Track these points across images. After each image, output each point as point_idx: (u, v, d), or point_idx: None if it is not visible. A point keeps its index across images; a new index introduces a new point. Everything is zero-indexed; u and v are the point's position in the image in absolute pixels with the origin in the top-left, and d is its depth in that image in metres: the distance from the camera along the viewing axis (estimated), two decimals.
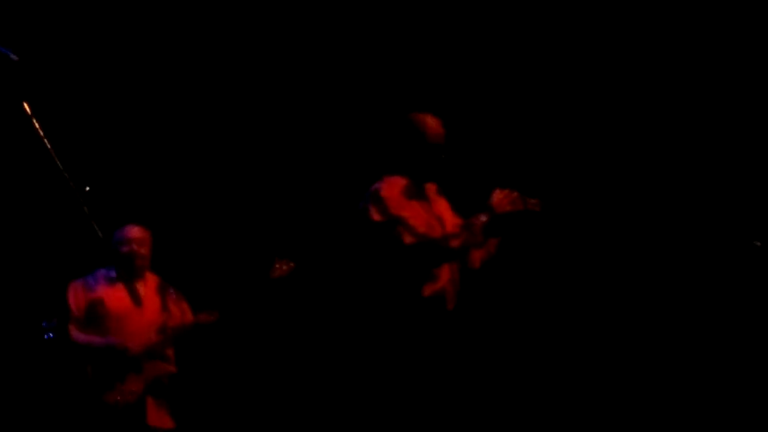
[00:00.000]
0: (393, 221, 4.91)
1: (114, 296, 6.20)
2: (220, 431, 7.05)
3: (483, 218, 4.90)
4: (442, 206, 5.16)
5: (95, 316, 6.15)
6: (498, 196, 4.92)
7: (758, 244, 5.05)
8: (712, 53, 6.85)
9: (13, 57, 4.29)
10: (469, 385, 4.99)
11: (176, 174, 7.43)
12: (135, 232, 6.25)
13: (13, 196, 6.80)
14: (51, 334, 6.04)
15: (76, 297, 6.18)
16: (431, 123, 5.10)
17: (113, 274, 6.26)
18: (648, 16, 6.94)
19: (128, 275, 6.26)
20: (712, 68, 6.86)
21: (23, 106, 4.24)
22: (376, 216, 4.94)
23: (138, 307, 6.23)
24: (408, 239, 4.88)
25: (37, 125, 4.22)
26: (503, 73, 7.09)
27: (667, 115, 6.91)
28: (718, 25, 6.81)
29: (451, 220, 5.10)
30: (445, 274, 4.99)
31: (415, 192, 5.06)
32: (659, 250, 6.79)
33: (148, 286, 6.32)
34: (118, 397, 6.01)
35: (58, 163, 4.22)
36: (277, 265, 6.24)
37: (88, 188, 4.52)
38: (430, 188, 5.17)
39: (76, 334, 6.07)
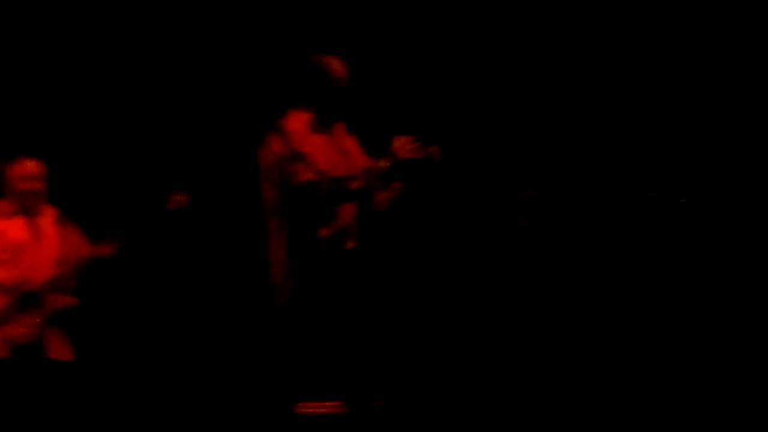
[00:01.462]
0: (294, 155, 4.94)
1: (12, 229, 6.11)
2: (121, 364, 7.03)
3: (384, 163, 4.96)
4: (350, 144, 5.21)
5: None
6: (399, 143, 4.97)
7: (654, 195, 5.15)
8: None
9: None
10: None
11: (71, 104, 7.29)
12: (30, 167, 6.14)
13: None
14: None
15: None
16: (335, 62, 5.16)
17: (9, 208, 6.15)
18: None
19: (26, 209, 6.17)
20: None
21: None
22: (277, 148, 4.96)
23: (37, 240, 6.16)
24: (306, 175, 4.93)
25: None
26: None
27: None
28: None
29: (357, 157, 5.14)
30: (347, 213, 5.04)
31: (321, 128, 5.09)
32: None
33: (45, 219, 6.24)
34: (20, 330, 5.95)
35: None
36: (173, 197, 6.22)
37: None
38: (338, 126, 5.20)
39: None
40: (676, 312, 6.71)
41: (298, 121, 5.07)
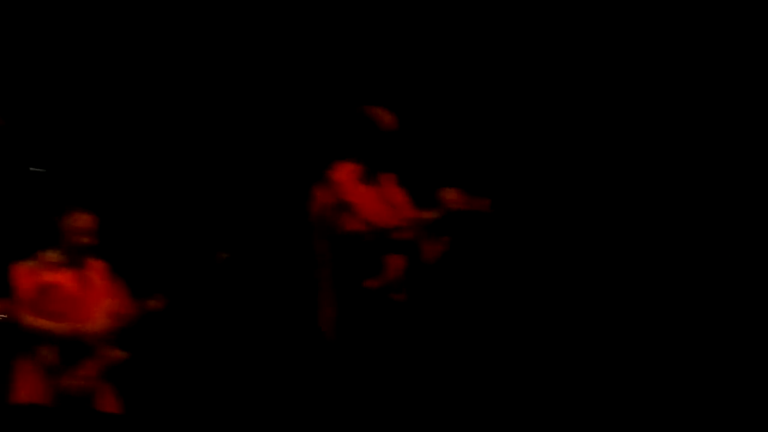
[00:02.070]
0: (341, 206, 4.96)
1: (63, 280, 6.17)
2: (168, 417, 7.03)
3: (431, 214, 4.98)
4: (398, 196, 5.22)
5: (46, 300, 6.11)
6: (448, 194, 4.99)
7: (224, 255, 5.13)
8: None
9: None
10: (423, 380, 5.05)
11: (122, 159, 7.37)
12: (84, 220, 6.21)
13: None
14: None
15: (23, 280, 6.12)
16: (385, 114, 5.17)
17: (60, 258, 6.22)
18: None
19: (76, 261, 6.23)
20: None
21: None
22: (324, 199, 4.99)
23: (88, 293, 6.21)
24: (354, 225, 4.94)
25: None
26: (464, 72, 7.12)
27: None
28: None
29: (405, 209, 5.16)
30: (395, 265, 5.04)
31: (368, 179, 5.11)
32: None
33: (94, 271, 6.30)
34: (74, 383, 5.98)
35: (8, 143, 4.21)
36: (219, 255, 6.27)
37: (35, 169, 4.51)
38: (387, 178, 5.22)
39: (26, 318, 6.02)
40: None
41: (345, 172, 5.09)
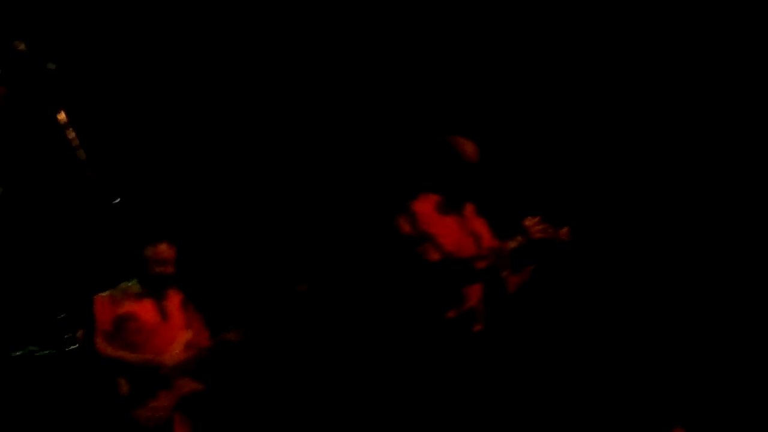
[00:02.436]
0: (422, 237, 4.93)
1: (142, 310, 6.19)
2: None
3: (512, 243, 4.93)
4: (479, 225, 5.17)
5: (123, 330, 6.13)
6: (529, 222, 4.93)
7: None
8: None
9: (50, 66, 4.29)
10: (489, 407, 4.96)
11: (201, 189, 7.40)
12: (165, 251, 6.23)
13: (44, 206, 6.78)
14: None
15: (102, 311, 6.15)
16: (467, 144, 5.13)
17: (140, 289, 6.23)
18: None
19: (155, 291, 6.24)
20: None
21: (59, 114, 4.23)
22: (405, 229, 4.96)
23: (165, 323, 6.22)
24: (434, 256, 4.91)
25: (72, 135, 4.21)
26: (545, 100, 7.06)
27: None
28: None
29: (487, 239, 5.10)
30: (475, 295, 4.98)
31: (450, 209, 5.07)
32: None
33: (173, 302, 6.31)
34: (149, 414, 5.97)
35: (91, 173, 4.21)
36: (299, 287, 6.24)
37: (118, 200, 4.51)
38: (468, 207, 5.17)
39: (105, 348, 6.03)
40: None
41: (427, 203, 5.06)
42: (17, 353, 6.38)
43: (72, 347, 6.19)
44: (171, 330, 6.21)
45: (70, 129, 4.27)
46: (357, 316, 6.75)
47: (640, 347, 6.76)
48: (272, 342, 6.77)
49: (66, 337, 6.16)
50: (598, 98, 7.03)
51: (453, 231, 5.02)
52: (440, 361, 4.89)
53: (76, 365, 6.24)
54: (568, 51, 7.07)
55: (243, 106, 7.43)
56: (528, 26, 7.11)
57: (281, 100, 7.39)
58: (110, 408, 5.96)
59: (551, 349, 6.81)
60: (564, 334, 6.91)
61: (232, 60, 7.33)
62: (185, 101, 7.35)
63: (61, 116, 4.31)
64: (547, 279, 5.48)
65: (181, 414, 6.08)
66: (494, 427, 4.94)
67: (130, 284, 6.26)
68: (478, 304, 5.00)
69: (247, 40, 7.31)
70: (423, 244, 4.92)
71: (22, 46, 4.30)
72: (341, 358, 7.11)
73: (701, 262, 6.77)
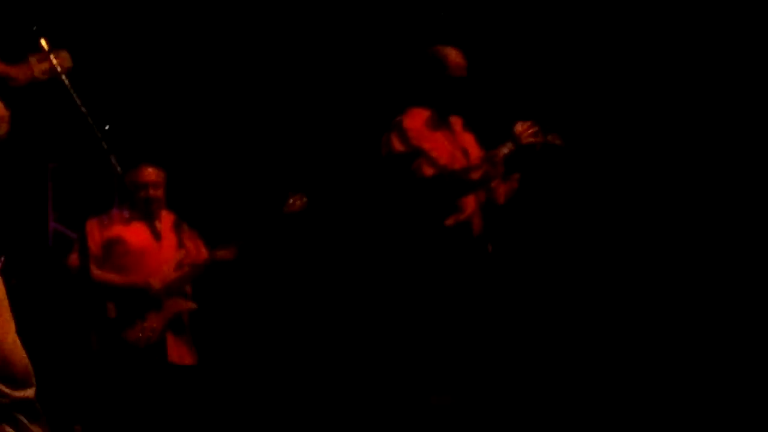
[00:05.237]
0: (414, 152, 4.92)
1: (132, 234, 6.19)
2: (241, 367, 7.04)
3: (504, 150, 4.92)
4: (467, 139, 5.17)
5: (113, 253, 6.14)
6: (520, 128, 4.91)
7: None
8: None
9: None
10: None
11: (191, 110, 7.34)
12: (150, 174, 6.20)
13: (30, 130, 6.71)
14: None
15: (93, 235, 6.15)
16: (453, 54, 5.08)
17: (129, 212, 6.22)
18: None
19: (145, 214, 6.23)
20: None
21: (41, 42, 4.17)
22: (397, 146, 4.96)
23: (156, 245, 6.22)
24: (428, 171, 4.91)
25: (55, 61, 4.15)
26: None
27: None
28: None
29: (475, 152, 5.10)
30: (470, 205, 5.00)
31: (439, 123, 5.06)
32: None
33: (164, 224, 6.30)
34: (140, 335, 6.01)
35: (77, 99, 4.17)
36: (291, 200, 6.23)
37: (107, 126, 4.47)
38: (456, 121, 5.16)
39: (96, 271, 6.04)
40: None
41: (416, 118, 5.03)
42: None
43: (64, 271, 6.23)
44: (162, 251, 6.20)
45: (54, 56, 4.20)
46: (353, 238, 6.74)
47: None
48: (265, 259, 6.77)
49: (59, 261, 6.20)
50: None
51: (444, 144, 5.00)
52: (442, 277, 4.91)
53: (69, 289, 6.28)
54: None
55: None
56: None
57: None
58: (102, 331, 5.99)
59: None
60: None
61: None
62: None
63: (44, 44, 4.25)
64: (538, 187, 5.49)
65: (173, 334, 6.11)
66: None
67: (122, 208, 6.26)
68: (474, 213, 5.00)
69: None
70: (416, 159, 4.91)
71: None
72: (340, 275, 7.12)
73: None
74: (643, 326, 6.49)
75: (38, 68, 4.06)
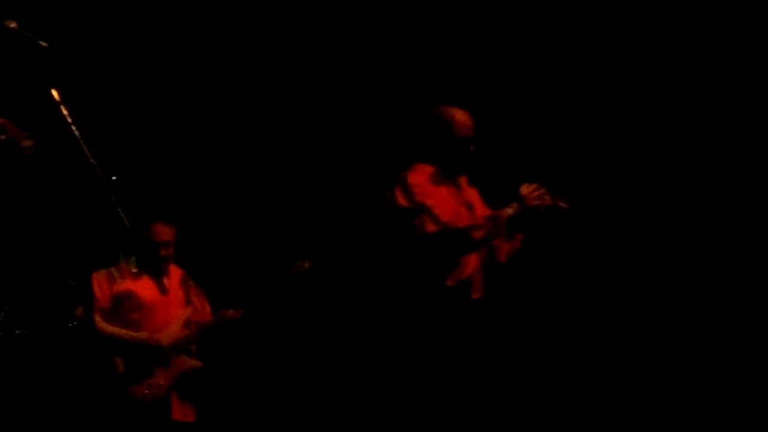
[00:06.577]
0: (418, 208, 4.92)
1: (141, 288, 6.19)
2: (241, 427, 7.01)
3: (509, 210, 4.91)
4: (473, 195, 5.16)
5: (122, 307, 6.14)
6: (526, 190, 4.92)
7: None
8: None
9: (42, 44, 4.28)
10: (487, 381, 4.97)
11: (201, 168, 7.40)
12: (164, 234, 6.22)
13: (40, 185, 6.78)
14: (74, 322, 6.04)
15: (101, 287, 6.16)
16: (459, 115, 5.10)
17: (138, 267, 6.24)
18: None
19: (154, 270, 6.25)
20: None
21: (52, 93, 4.23)
22: (401, 202, 4.96)
23: (164, 300, 6.22)
24: (431, 227, 4.89)
25: (65, 112, 4.21)
26: (535, 69, 7.04)
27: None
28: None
29: (480, 209, 5.10)
30: (472, 264, 4.98)
31: (444, 180, 5.06)
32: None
33: (172, 280, 6.31)
34: (146, 391, 5.99)
35: (86, 151, 4.21)
36: (298, 263, 6.25)
37: (114, 177, 4.51)
38: (462, 179, 5.17)
39: (103, 324, 6.05)
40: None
41: (421, 174, 5.04)
42: (19, 331, 6.43)
43: (71, 325, 6.25)
44: (170, 307, 6.21)
45: (64, 107, 4.26)
46: (358, 294, 6.74)
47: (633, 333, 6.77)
48: (271, 321, 6.77)
49: (66, 314, 6.22)
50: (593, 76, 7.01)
51: (448, 201, 4.99)
52: (441, 337, 4.89)
53: (75, 343, 6.29)
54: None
55: (242, 85, 7.43)
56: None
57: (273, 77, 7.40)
58: (108, 386, 5.98)
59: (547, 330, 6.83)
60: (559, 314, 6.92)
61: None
62: (177, 88, 7.36)
63: (55, 95, 4.31)
64: (541, 248, 5.49)
65: (179, 392, 6.10)
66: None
67: (128, 261, 6.28)
68: (476, 272, 5.00)
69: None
70: (419, 215, 4.91)
71: (13, 24, 4.30)
72: (340, 339, 7.12)
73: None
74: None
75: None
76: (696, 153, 6.81)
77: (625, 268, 6.80)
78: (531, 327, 6.56)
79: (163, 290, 6.24)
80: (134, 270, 6.24)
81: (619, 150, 6.87)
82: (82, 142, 4.21)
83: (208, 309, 6.32)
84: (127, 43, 7.23)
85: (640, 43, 6.92)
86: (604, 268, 6.79)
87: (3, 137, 4.15)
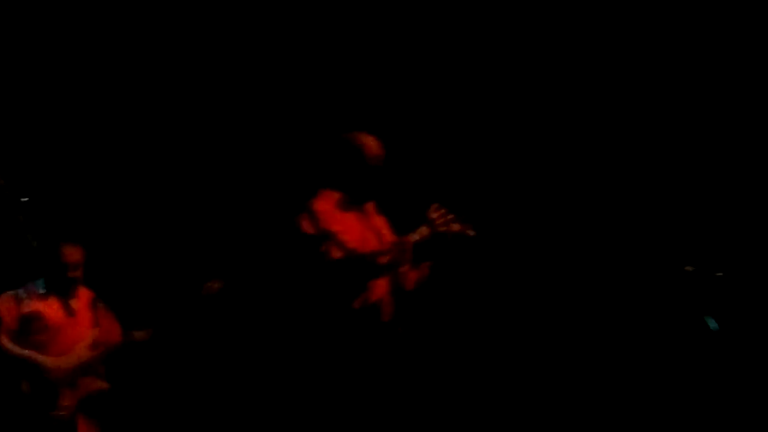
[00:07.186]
0: (323, 235, 4.96)
1: (48, 309, 6.17)
2: None
3: (415, 236, 4.95)
4: (380, 222, 5.21)
5: (31, 329, 6.11)
6: (435, 213, 4.97)
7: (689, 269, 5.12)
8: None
9: None
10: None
11: (111, 189, 7.38)
12: (71, 255, 6.20)
13: None
14: None
15: (8, 309, 6.13)
16: (370, 141, 5.15)
17: (46, 288, 6.21)
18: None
19: (62, 290, 6.22)
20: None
21: None
22: (307, 228, 4.98)
23: (71, 322, 6.20)
24: (336, 253, 4.93)
25: None
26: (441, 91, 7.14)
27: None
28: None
29: (387, 236, 5.15)
30: (380, 288, 5.03)
31: (351, 206, 5.10)
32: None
33: (80, 301, 6.29)
34: (52, 413, 5.96)
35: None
36: (208, 284, 6.27)
37: (25, 198, 4.50)
38: (369, 205, 5.22)
39: (9, 345, 6.02)
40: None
41: (327, 201, 5.09)
42: None
43: None
44: (78, 328, 6.18)
45: None
46: (265, 314, 6.77)
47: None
48: (180, 341, 6.77)
49: None
50: (495, 92, 7.10)
51: (354, 228, 5.04)
52: (351, 356, 4.94)
53: None
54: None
55: (148, 104, 7.42)
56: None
57: (185, 100, 7.41)
58: (15, 407, 5.94)
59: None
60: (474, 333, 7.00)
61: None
62: (90, 99, 7.33)
63: None
64: (448, 274, 5.56)
65: (85, 414, 6.07)
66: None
67: (36, 283, 6.25)
68: (385, 296, 5.05)
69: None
70: (325, 242, 4.96)
71: None
72: (250, 358, 7.13)
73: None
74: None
75: None
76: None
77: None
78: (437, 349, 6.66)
79: (70, 312, 6.21)
80: (42, 291, 6.21)
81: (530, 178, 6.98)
82: None
83: (116, 330, 6.30)
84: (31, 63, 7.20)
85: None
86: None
87: None
